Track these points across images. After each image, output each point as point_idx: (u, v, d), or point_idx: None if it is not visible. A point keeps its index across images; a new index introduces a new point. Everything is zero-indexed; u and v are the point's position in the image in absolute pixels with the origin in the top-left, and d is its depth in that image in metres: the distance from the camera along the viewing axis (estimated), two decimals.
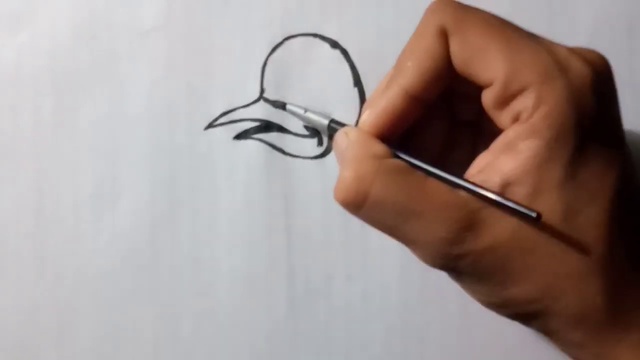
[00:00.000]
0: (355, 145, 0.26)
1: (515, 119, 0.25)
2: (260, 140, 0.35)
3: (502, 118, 0.25)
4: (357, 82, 0.36)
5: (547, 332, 0.25)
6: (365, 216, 0.26)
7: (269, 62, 0.36)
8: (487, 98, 0.25)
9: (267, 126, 0.36)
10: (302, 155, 0.35)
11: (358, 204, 0.25)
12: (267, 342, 0.35)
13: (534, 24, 0.36)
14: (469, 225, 0.24)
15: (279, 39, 0.36)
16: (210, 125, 0.36)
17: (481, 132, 0.28)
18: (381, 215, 0.25)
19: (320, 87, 0.36)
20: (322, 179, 0.35)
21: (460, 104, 0.28)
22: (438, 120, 0.29)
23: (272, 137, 0.35)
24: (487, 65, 0.25)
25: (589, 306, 0.24)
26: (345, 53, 0.36)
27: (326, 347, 0.35)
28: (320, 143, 0.35)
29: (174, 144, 0.35)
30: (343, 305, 0.35)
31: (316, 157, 0.35)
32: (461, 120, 0.29)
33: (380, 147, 0.26)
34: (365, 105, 0.29)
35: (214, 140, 0.35)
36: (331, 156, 0.35)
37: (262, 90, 0.36)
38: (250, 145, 0.35)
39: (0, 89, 0.36)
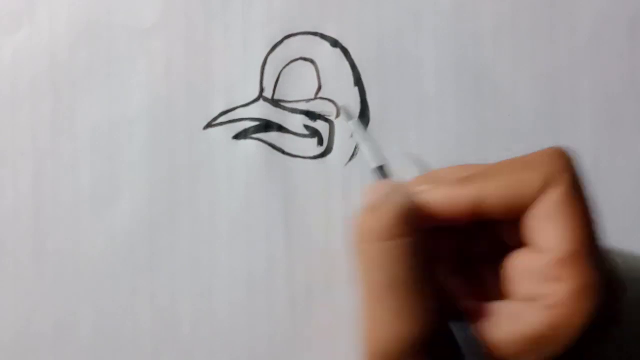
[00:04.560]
0: (404, 201, 0.26)
1: (534, 293, 0.25)
2: (260, 139, 0.35)
3: (524, 280, 0.26)
4: (358, 81, 0.36)
5: None
6: (365, 250, 0.26)
7: (268, 61, 0.36)
8: (528, 259, 0.26)
9: (266, 125, 0.35)
10: (302, 154, 0.35)
11: (368, 238, 0.26)
12: (267, 344, 0.35)
13: (534, 24, 0.36)
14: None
15: (279, 38, 0.36)
16: (209, 125, 0.35)
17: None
18: (374, 263, 0.26)
19: (320, 86, 0.35)
20: (322, 178, 0.35)
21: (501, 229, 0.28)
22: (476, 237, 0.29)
23: (272, 136, 0.35)
24: (553, 240, 0.25)
25: None
26: (345, 52, 0.36)
27: (327, 349, 0.35)
28: (320, 143, 0.35)
29: (173, 144, 0.35)
30: (344, 307, 0.35)
31: (316, 157, 0.35)
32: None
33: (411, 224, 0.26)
34: (435, 175, 0.29)
35: (213, 140, 0.35)
36: (331, 156, 0.35)
37: (261, 89, 0.36)
38: (249, 144, 0.35)
39: None
